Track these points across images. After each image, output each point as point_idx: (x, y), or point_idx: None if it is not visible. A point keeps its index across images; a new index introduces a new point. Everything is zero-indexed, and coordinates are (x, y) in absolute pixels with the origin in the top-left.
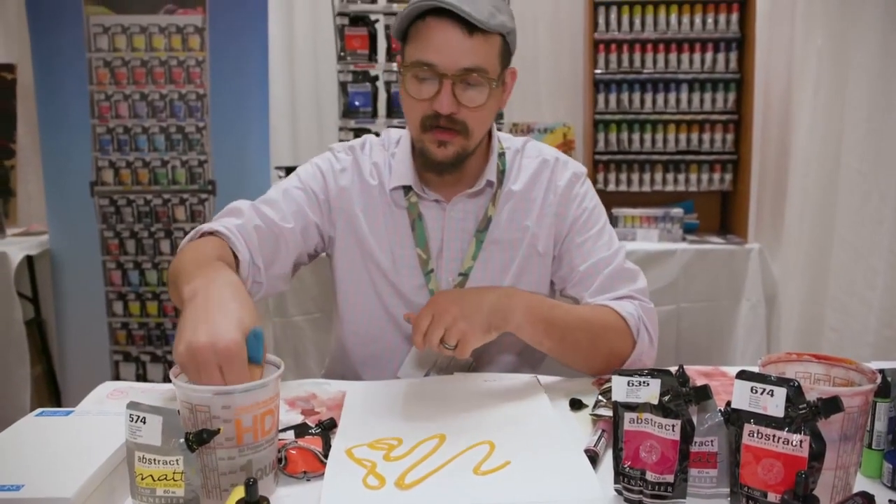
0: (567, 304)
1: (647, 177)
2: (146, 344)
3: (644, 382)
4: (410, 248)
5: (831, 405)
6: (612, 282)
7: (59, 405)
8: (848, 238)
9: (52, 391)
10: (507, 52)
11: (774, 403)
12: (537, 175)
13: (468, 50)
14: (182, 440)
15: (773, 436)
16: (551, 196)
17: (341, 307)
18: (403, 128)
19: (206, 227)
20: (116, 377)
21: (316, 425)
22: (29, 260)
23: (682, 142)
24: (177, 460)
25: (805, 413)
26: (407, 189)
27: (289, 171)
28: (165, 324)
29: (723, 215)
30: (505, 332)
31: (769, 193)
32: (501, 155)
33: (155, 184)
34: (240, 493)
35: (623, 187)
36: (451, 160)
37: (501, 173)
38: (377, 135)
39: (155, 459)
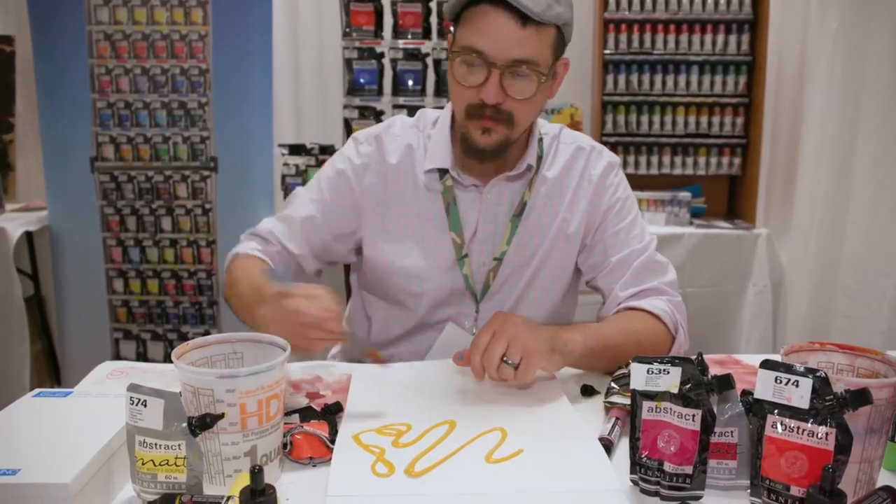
0: (605, 322)
1: (654, 159)
2: (147, 322)
3: (664, 370)
4: (444, 233)
5: (860, 397)
6: (642, 274)
7: (58, 383)
8: (862, 225)
9: (52, 368)
10: (560, 44)
11: (799, 394)
12: (572, 162)
13: (520, 41)
14: (184, 424)
15: (798, 428)
16: (585, 184)
17: (367, 296)
18: (409, 107)
19: (242, 251)
20: (117, 355)
21: (322, 409)
22: (28, 236)
23: (690, 124)
24: (179, 445)
25: (832, 405)
26: (442, 172)
27: (292, 148)
28: (166, 302)
29: (731, 200)
30: (566, 363)
31: (779, 178)
32: (539, 140)
33: (156, 160)
34: (244, 480)
35: (630, 170)
36: (493, 148)
37: (539, 158)
38: (411, 114)
39: (156, 444)
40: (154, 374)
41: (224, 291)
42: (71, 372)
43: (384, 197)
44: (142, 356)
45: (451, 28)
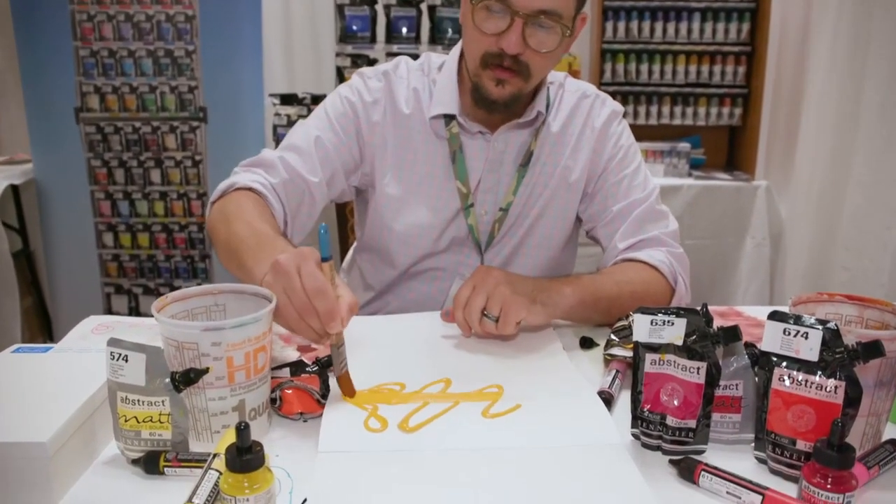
0: (599, 273)
1: (654, 109)
2: (138, 276)
3: (668, 322)
4: (450, 182)
5: (872, 349)
6: (642, 224)
7: (50, 338)
8: (866, 177)
9: (43, 324)
10: None
11: (808, 346)
12: (576, 110)
13: None
14: (167, 380)
15: (806, 381)
16: (588, 132)
17: (370, 244)
18: (403, 55)
19: (240, 181)
20: (109, 310)
21: (313, 363)
22: (14, 190)
23: (691, 74)
24: (162, 401)
25: (842, 357)
26: (448, 119)
27: (283, 98)
28: (157, 256)
29: (730, 151)
30: (553, 315)
31: (780, 129)
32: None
33: (143, 110)
34: (232, 437)
35: (629, 120)
36: (506, 100)
37: (546, 106)
38: (414, 57)
39: (139, 400)
40: (141, 329)
41: (210, 226)
42: (63, 327)
43: (391, 138)
44: (134, 311)
45: None
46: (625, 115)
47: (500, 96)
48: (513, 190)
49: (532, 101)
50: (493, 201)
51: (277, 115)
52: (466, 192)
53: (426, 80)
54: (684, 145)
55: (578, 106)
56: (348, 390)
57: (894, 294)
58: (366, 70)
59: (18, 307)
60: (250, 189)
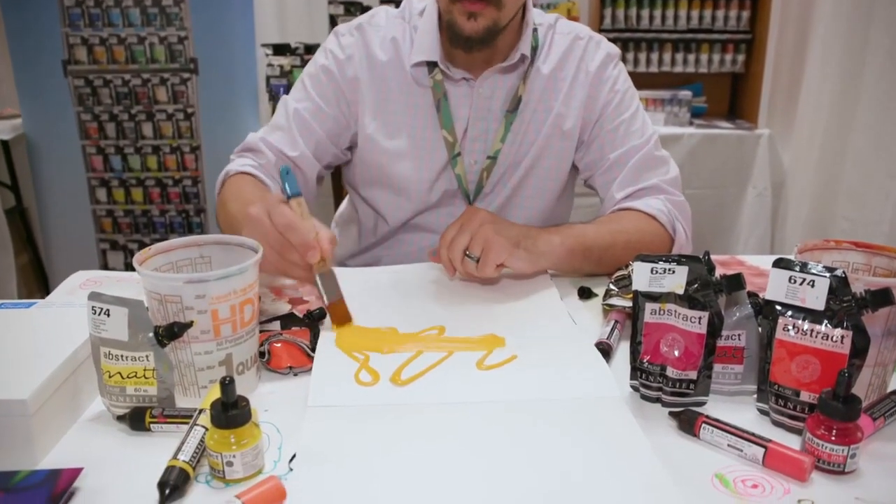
0: (592, 222)
1: (654, 56)
2: (133, 232)
3: (669, 270)
4: (435, 131)
5: (881, 297)
6: (640, 172)
7: (48, 295)
8: (872, 124)
9: (39, 280)
10: None
11: (815, 295)
12: (568, 53)
13: None
14: (151, 334)
15: (812, 331)
16: (582, 76)
17: (362, 200)
18: (398, 2)
19: (232, 168)
20: (105, 266)
21: (304, 315)
22: (4, 145)
23: (693, 19)
24: (146, 356)
25: (849, 306)
26: (431, 66)
27: (276, 48)
28: (152, 211)
29: (733, 99)
30: (540, 263)
31: (784, 76)
32: (534, 30)
33: (132, 62)
34: (217, 392)
35: (629, 67)
36: (480, 35)
37: (533, 50)
38: (397, 5)
39: (122, 356)
40: (129, 283)
41: (216, 216)
42: (59, 284)
43: (370, 91)
44: (131, 267)
45: None
46: (624, 59)
47: (474, 31)
48: (500, 137)
49: (516, 43)
50: (481, 150)
51: (270, 65)
52: (453, 140)
53: (407, 26)
54: (685, 93)
55: (571, 48)
56: (342, 317)
57: (894, 243)
58: (340, 27)
59: (13, 264)
60: (243, 173)
